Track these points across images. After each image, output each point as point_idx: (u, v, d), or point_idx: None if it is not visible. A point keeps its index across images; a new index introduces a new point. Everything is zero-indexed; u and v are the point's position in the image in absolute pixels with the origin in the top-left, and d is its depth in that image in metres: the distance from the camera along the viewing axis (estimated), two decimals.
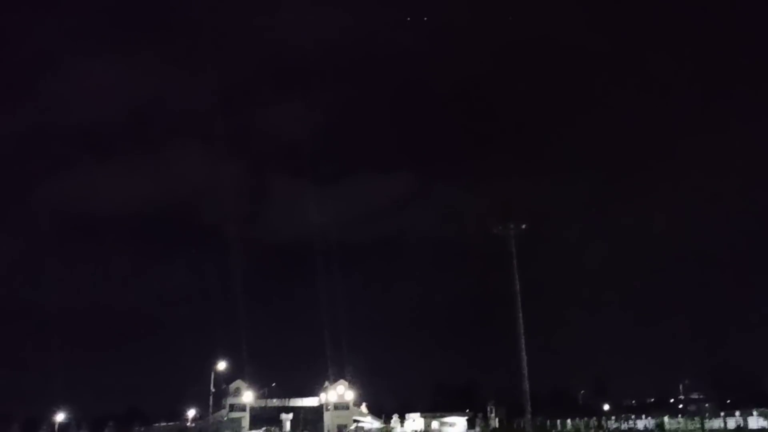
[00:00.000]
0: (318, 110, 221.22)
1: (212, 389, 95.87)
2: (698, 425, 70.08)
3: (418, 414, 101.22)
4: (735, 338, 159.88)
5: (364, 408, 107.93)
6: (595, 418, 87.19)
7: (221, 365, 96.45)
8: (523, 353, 55.68)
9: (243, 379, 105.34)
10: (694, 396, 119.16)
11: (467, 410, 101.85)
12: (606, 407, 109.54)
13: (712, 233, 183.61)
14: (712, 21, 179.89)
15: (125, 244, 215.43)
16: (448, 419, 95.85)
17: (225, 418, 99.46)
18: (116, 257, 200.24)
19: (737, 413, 73.81)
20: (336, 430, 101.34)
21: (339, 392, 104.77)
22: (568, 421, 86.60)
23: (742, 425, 67.09)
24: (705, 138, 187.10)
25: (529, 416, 61.81)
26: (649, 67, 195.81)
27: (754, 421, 67.98)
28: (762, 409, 71.82)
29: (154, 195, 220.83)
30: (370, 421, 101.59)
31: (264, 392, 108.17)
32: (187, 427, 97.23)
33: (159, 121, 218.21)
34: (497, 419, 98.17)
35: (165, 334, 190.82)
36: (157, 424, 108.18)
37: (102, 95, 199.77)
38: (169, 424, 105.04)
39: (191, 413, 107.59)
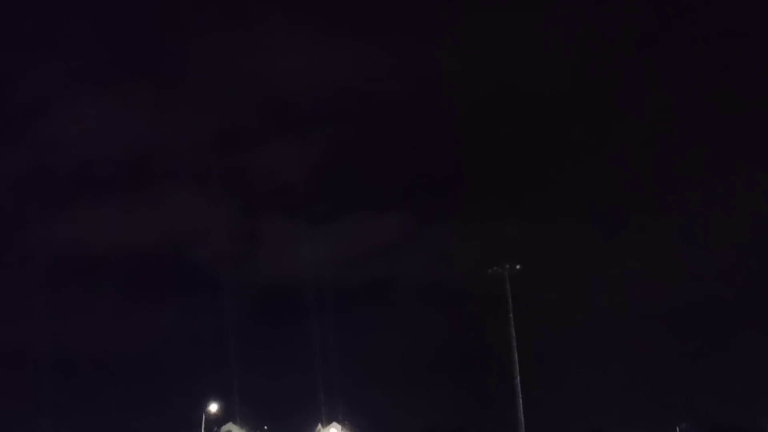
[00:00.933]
0: (312, 151, 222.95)
1: None
2: None
3: None
4: (734, 381, 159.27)
5: None
6: None
7: (213, 408, 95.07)
8: (519, 397, 55.24)
9: (234, 422, 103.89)
10: None
11: None
12: None
13: (712, 279, 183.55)
14: (709, 61, 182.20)
15: (116, 285, 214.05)
16: None
17: None
18: (106, 299, 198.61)
19: None
20: None
21: None
22: None
23: None
24: (704, 182, 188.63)
25: None
26: (645, 109, 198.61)
27: None
28: None
29: (147, 236, 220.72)
30: None
31: None
32: None
33: (153, 162, 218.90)
34: None
35: (154, 377, 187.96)
36: None
37: (97, 136, 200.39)
38: None
39: None
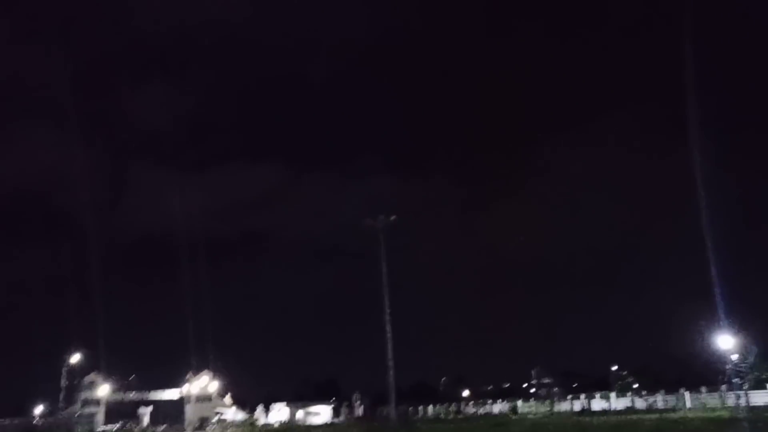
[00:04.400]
0: (184, 96, 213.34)
1: (65, 383, 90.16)
2: (548, 407, 75.26)
3: (284, 404, 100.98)
4: (580, 333, 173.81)
5: (228, 399, 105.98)
6: (454, 404, 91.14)
7: (75, 358, 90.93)
8: (390, 345, 56.66)
9: (99, 372, 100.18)
10: (545, 381, 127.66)
11: (332, 399, 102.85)
12: (465, 393, 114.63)
13: (569, 237, 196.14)
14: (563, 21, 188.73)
15: None
16: (313, 408, 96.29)
17: (77, 414, 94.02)
18: None
19: (582, 396, 79.90)
20: (198, 423, 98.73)
21: (202, 384, 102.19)
22: (430, 407, 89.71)
23: (586, 407, 72.62)
24: (567, 132, 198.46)
25: (393, 404, 63.16)
26: (510, 70, 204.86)
27: (597, 404, 73.98)
28: (603, 392, 78.49)
29: (3, 177, 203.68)
30: (233, 413, 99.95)
31: (122, 385, 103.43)
32: (33, 425, 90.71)
33: (10, 98, 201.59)
34: (362, 407, 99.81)
35: (13, 325, 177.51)
36: None
37: None
38: (14, 421, 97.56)
39: (39, 409, 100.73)
